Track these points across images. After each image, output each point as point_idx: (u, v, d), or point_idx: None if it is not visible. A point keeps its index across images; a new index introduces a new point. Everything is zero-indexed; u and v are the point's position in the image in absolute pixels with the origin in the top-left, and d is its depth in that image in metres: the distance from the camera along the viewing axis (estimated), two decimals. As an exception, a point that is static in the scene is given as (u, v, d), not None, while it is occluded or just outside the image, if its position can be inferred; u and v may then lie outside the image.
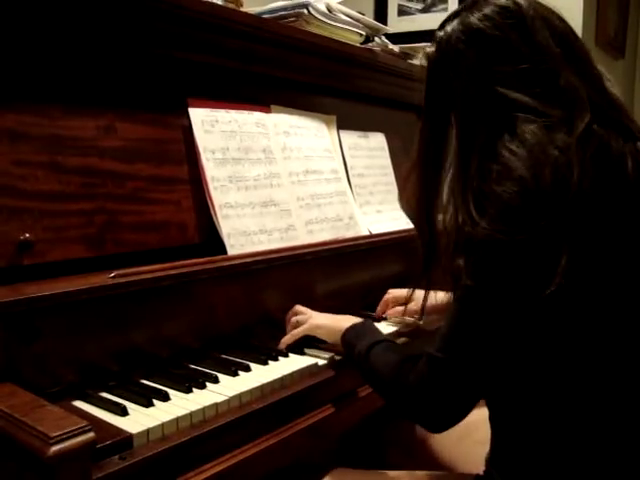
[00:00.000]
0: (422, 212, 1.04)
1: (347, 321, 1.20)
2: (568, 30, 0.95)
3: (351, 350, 1.14)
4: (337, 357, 1.22)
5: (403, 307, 1.43)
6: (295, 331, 1.26)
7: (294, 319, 1.30)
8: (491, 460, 1.01)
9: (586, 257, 0.85)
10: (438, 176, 1.00)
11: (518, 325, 0.88)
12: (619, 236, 0.87)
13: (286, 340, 1.25)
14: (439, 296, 1.18)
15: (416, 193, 1.04)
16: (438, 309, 1.26)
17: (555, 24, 0.94)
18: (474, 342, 0.89)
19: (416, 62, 2.10)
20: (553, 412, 0.91)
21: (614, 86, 0.96)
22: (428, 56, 1.01)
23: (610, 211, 0.86)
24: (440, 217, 1.03)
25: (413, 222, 1.09)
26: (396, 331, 1.41)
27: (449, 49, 0.96)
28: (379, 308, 1.49)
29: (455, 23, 0.97)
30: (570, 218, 0.83)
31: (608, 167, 0.87)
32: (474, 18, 0.95)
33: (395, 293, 1.49)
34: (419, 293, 1.45)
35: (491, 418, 1.00)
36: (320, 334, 1.25)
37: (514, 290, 0.85)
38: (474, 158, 0.91)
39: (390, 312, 1.46)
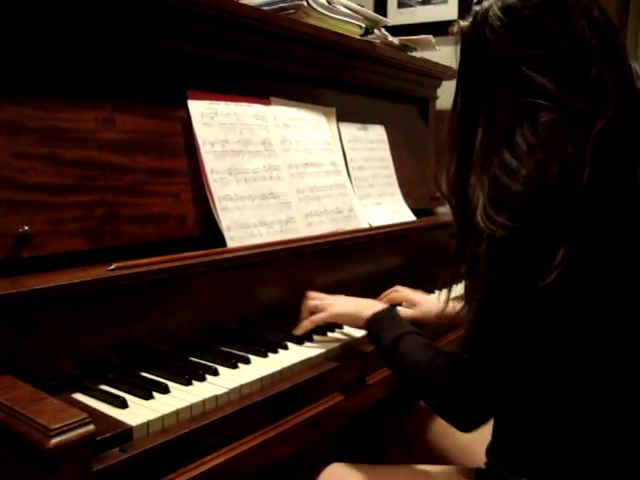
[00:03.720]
0: (455, 190, 1.00)
1: (369, 308, 1.19)
2: (606, 22, 0.93)
3: (376, 341, 1.14)
4: (337, 349, 1.22)
5: (409, 311, 1.43)
6: (315, 317, 1.25)
7: (312, 304, 1.28)
8: (492, 451, 1.01)
9: (590, 256, 0.84)
10: (470, 156, 0.96)
11: (533, 319, 0.88)
12: (624, 239, 0.87)
13: (305, 326, 1.24)
14: (450, 305, 1.19)
15: (449, 171, 1.02)
16: (450, 317, 1.26)
17: (594, 14, 0.91)
18: (497, 341, 0.90)
19: (416, 54, 2.09)
20: (557, 402, 0.91)
21: None
22: (462, 30, 0.98)
23: (616, 213, 0.86)
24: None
25: (447, 200, 1.05)
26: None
27: (483, 24, 0.93)
28: (384, 299, 1.48)
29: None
30: (574, 215, 0.83)
31: (619, 169, 0.86)
32: None
33: (402, 292, 1.48)
34: (423, 298, 1.45)
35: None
36: (343, 321, 1.24)
37: (529, 285, 0.84)
38: (494, 143, 0.90)
39: None
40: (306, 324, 1.24)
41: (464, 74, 0.99)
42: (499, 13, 0.92)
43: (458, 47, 0.99)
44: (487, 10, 0.94)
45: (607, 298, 0.87)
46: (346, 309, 1.24)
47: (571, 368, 0.89)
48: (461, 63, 0.99)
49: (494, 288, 0.88)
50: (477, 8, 0.96)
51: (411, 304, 1.44)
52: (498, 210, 0.85)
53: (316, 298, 1.30)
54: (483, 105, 0.94)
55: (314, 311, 1.27)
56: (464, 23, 0.98)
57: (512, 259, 0.85)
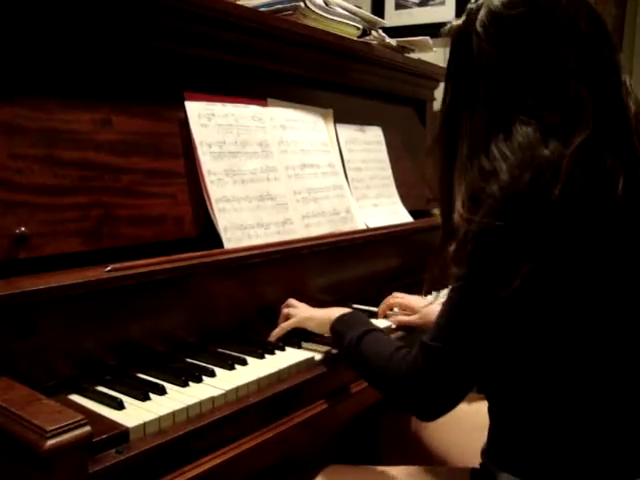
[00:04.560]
0: (442, 190, 1.02)
1: (337, 312, 1.20)
2: (594, 34, 0.91)
3: (341, 340, 1.14)
4: (334, 351, 1.22)
5: (406, 317, 1.43)
6: (284, 324, 1.27)
7: (285, 311, 1.31)
8: (488, 451, 1.01)
9: (556, 265, 0.85)
10: (455, 156, 0.97)
11: (510, 315, 0.88)
12: (594, 252, 0.87)
13: (276, 333, 1.26)
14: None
15: (437, 172, 1.03)
16: None
17: (579, 27, 0.90)
18: (470, 331, 0.90)
19: (413, 56, 2.10)
20: (552, 402, 0.91)
21: (634, 98, 0.93)
22: (452, 30, 0.99)
23: (588, 229, 0.86)
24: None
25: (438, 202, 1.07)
26: (390, 325, 1.41)
27: (471, 28, 0.94)
28: (380, 309, 1.48)
29: (485, 3, 0.94)
30: (543, 223, 0.83)
31: (595, 186, 0.85)
32: (499, 2, 0.92)
33: (400, 300, 1.47)
34: (420, 303, 1.45)
35: (490, 409, 1.01)
36: (310, 326, 1.25)
37: (504, 281, 0.85)
38: (473, 148, 0.91)
39: (392, 320, 1.45)
40: (277, 331, 1.26)
41: (450, 75, 1.00)
42: (485, 19, 0.93)
43: (449, 46, 1.00)
44: (476, 12, 0.94)
45: (577, 296, 0.88)
46: (313, 314, 1.26)
47: (564, 366, 0.90)
48: (449, 63, 1.00)
49: (465, 282, 0.89)
50: (471, 6, 0.96)
51: (410, 311, 1.43)
52: (474, 208, 0.86)
53: (291, 305, 1.32)
54: (465, 108, 0.95)
55: (287, 318, 1.29)
56: (456, 23, 0.99)
57: (483, 255, 0.87)
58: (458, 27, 0.97)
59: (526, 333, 0.90)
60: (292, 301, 1.33)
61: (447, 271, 0.95)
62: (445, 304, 0.93)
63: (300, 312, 1.28)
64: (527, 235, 0.83)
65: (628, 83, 0.93)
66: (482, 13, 0.93)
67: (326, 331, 1.20)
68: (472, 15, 0.95)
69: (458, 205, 0.90)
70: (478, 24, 0.93)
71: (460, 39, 0.97)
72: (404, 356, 0.97)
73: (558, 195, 0.82)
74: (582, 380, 0.90)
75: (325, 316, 1.22)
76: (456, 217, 0.91)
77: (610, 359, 0.90)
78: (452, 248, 0.93)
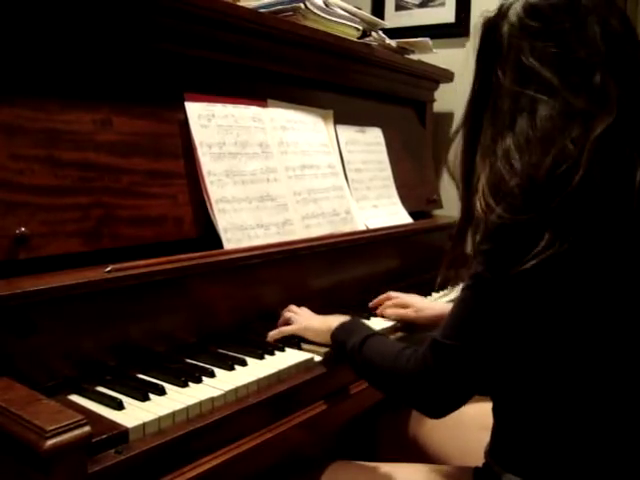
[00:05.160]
0: (463, 174, 1.03)
1: (335, 320, 1.21)
2: (625, 34, 0.94)
3: (342, 347, 1.14)
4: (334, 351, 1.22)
5: (401, 310, 1.43)
6: (284, 329, 1.28)
7: (287, 314, 1.31)
8: (491, 451, 1.01)
9: (574, 254, 0.85)
10: (478, 139, 0.99)
11: (524, 313, 0.88)
12: (611, 241, 0.87)
13: (273, 335, 1.27)
14: (445, 307, 1.18)
15: (460, 156, 1.03)
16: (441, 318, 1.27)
17: (611, 24, 0.93)
18: (484, 329, 0.90)
19: (413, 57, 2.10)
20: (557, 403, 0.91)
21: None
22: (484, 20, 1.01)
23: (606, 216, 0.86)
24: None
25: (456, 185, 1.07)
26: (391, 326, 1.42)
27: (503, 17, 0.97)
28: (372, 303, 1.50)
29: None
30: (562, 211, 0.83)
31: (617, 174, 0.86)
32: None
33: (395, 298, 1.48)
34: (416, 299, 1.46)
35: (494, 409, 1.01)
36: (308, 336, 1.26)
37: (520, 277, 0.85)
38: (497, 131, 0.92)
39: (387, 312, 1.46)
40: (275, 333, 1.27)
41: (479, 61, 1.02)
42: (519, 10, 0.95)
43: (479, 35, 1.02)
44: (510, 5, 0.97)
45: (591, 293, 0.88)
46: (311, 324, 1.26)
47: (571, 367, 0.90)
48: (478, 50, 1.02)
49: (480, 279, 0.89)
50: (505, 1, 0.99)
51: (404, 306, 1.44)
52: (495, 199, 0.87)
53: (292, 311, 1.32)
54: (491, 92, 0.96)
55: (287, 322, 1.30)
56: (488, 14, 1.01)
57: (502, 247, 0.87)
58: (489, 18, 1.00)
59: (537, 332, 0.90)
60: (293, 307, 1.34)
61: (466, 263, 0.96)
62: (459, 301, 0.93)
63: (300, 320, 1.28)
64: (545, 225, 0.83)
65: None
66: (517, 5, 0.96)
67: (325, 340, 1.21)
68: (505, 8, 0.97)
69: (483, 188, 0.90)
70: (512, 13, 0.96)
71: (491, 29, 0.99)
72: (411, 354, 0.98)
73: (578, 182, 0.82)
74: (588, 382, 0.90)
75: (324, 325, 1.22)
76: (478, 202, 0.91)
77: (618, 359, 0.90)
78: (473, 237, 0.93)
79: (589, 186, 0.84)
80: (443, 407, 0.98)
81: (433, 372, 0.94)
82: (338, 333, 1.18)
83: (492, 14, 1.00)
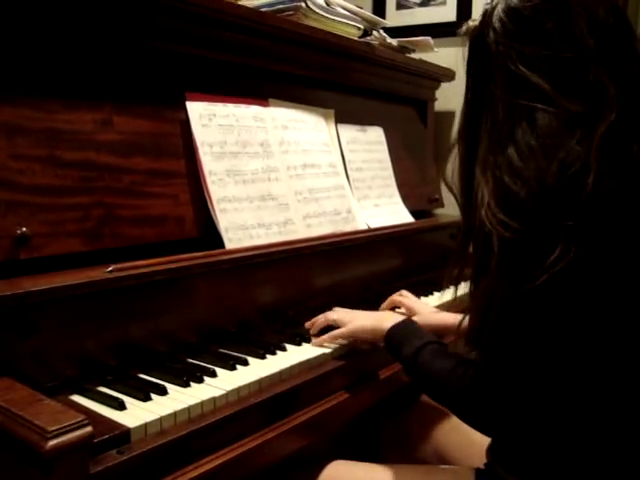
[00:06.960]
0: (462, 187, 1.00)
1: (387, 321, 1.18)
2: (614, 22, 0.91)
3: (398, 352, 1.12)
4: (335, 351, 1.22)
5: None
6: (335, 332, 1.24)
7: (332, 317, 1.27)
8: (493, 451, 1.01)
9: (594, 260, 0.83)
10: (476, 151, 0.96)
11: (552, 324, 0.87)
12: (628, 244, 0.85)
13: (324, 339, 1.24)
14: (451, 317, 1.17)
15: (458, 171, 1.02)
16: (449, 329, 1.27)
17: (598, 15, 0.89)
18: (526, 349, 0.89)
19: (414, 56, 2.10)
20: (558, 406, 0.91)
21: None
22: (468, 30, 0.99)
23: (621, 217, 0.84)
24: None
25: (456, 198, 1.05)
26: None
27: (487, 24, 0.94)
28: (384, 304, 1.48)
29: (500, 1, 0.94)
30: (578, 217, 0.81)
31: (625, 173, 0.84)
32: None
33: (406, 300, 1.47)
34: (424, 308, 1.44)
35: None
36: (364, 337, 1.23)
37: (547, 288, 0.83)
38: (496, 142, 0.90)
39: None
40: (324, 338, 1.24)
41: (469, 72, 1.00)
42: (501, 14, 0.93)
43: (467, 46, 0.99)
44: (492, 10, 0.94)
45: (610, 303, 0.86)
46: (364, 324, 1.23)
47: (572, 372, 0.89)
48: (468, 61, 1.00)
49: (511, 293, 0.85)
50: (487, 7, 0.97)
51: (411, 312, 1.43)
52: (505, 212, 0.84)
53: (338, 312, 1.29)
54: (485, 103, 0.94)
55: (332, 325, 1.26)
56: (472, 23, 0.99)
57: (519, 261, 0.84)
58: (474, 27, 0.98)
59: (545, 339, 0.88)
60: (337, 308, 1.31)
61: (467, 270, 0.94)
62: (499, 327, 0.89)
63: (353, 321, 1.24)
64: (563, 231, 0.81)
65: None
66: (498, 9, 0.93)
67: (380, 342, 1.19)
68: (488, 14, 0.95)
69: (486, 199, 0.87)
70: (495, 19, 0.93)
71: (477, 38, 0.97)
72: (463, 374, 0.98)
73: (592, 184, 0.80)
74: (591, 387, 0.89)
75: (378, 327, 1.19)
76: (481, 213, 0.87)
77: (626, 365, 0.89)
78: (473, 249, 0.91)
79: (600, 188, 0.81)
80: (495, 425, 0.98)
81: (479, 392, 0.95)
82: (391, 337, 1.15)
83: (477, 22, 0.97)
